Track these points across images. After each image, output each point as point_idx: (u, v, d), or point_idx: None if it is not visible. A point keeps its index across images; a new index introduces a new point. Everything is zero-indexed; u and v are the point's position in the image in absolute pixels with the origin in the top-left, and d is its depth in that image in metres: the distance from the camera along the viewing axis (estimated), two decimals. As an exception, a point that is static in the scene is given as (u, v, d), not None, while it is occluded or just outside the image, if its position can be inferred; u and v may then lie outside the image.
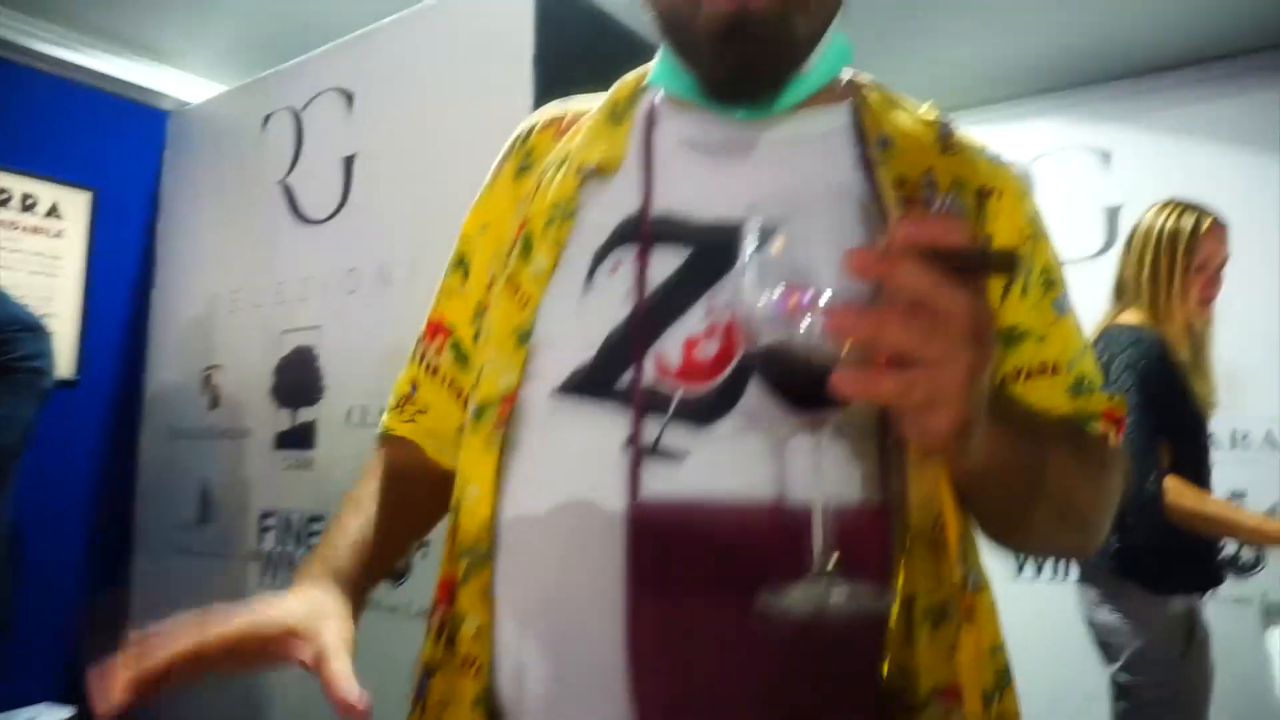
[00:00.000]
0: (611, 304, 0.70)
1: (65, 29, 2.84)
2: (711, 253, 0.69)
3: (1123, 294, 2.12)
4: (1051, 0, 2.62)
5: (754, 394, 0.65)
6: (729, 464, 0.64)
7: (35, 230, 2.75)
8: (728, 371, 0.66)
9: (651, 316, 0.69)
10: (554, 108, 0.90)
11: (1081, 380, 0.74)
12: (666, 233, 0.71)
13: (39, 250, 2.77)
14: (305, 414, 2.39)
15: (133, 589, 2.88)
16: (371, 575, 0.81)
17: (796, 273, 0.52)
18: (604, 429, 0.67)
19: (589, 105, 0.86)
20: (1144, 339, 1.96)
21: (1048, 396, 0.72)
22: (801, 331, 0.51)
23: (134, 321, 2.98)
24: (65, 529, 2.78)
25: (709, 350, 0.67)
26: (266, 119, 2.66)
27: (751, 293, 0.53)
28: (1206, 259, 2.04)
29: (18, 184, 2.73)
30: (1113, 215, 3.01)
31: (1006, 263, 0.55)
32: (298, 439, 2.40)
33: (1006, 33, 2.85)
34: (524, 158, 0.87)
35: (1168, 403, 1.91)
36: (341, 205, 2.38)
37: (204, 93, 3.10)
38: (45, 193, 2.81)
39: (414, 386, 0.91)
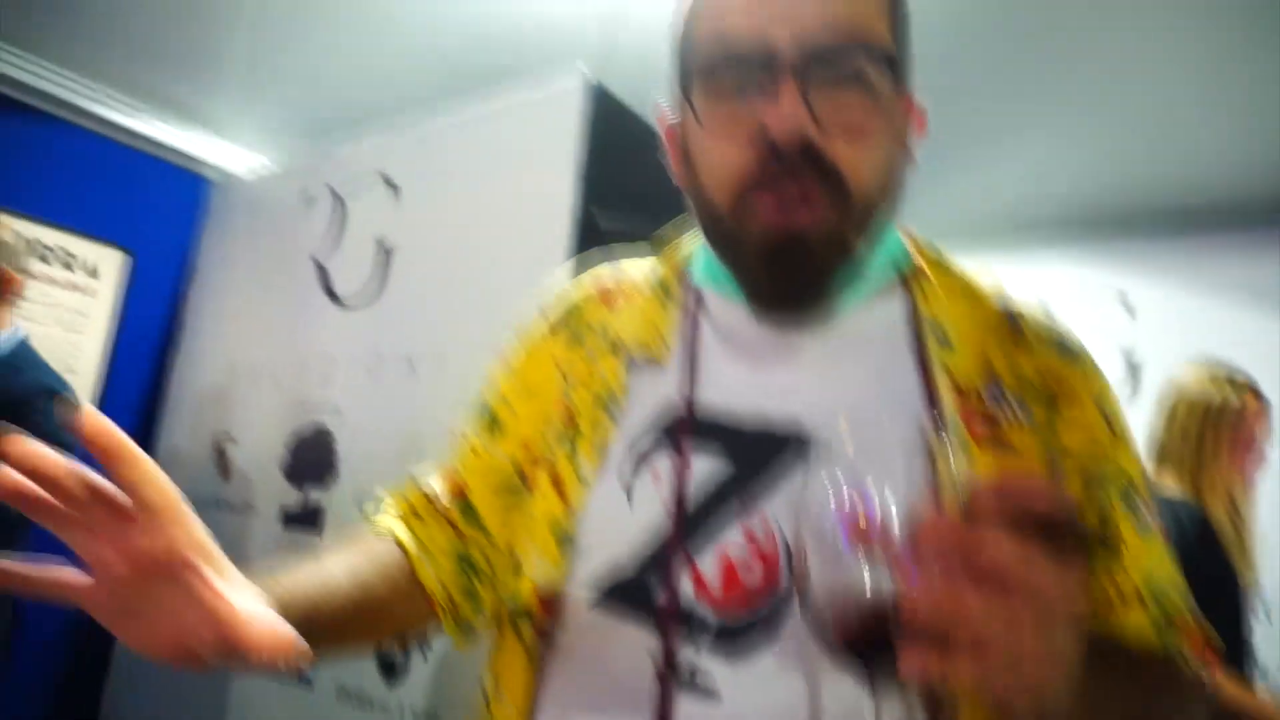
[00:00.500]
0: (652, 513, 0.67)
1: (118, 91, 2.92)
2: (754, 464, 0.65)
3: (1161, 458, 2.06)
4: (1078, 139, 2.69)
5: (797, 627, 0.59)
6: (766, 706, 0.59)
7: (70, 286, 2.78)
8: (770, 601, 0.62)
9: (690, 530, 0.65)
10: (604, 275, 0.87)
11: (1168, 613, 0.65)
12: (708, 437, 0.67)
13: (71, 306, 2.79)
14: (315, 495, 2.37)
15: (111, 662, 2.81)
16: (299, 620, 0.64)
17: (854, 494, 0.48)
18: (638, 652, 0.63)
19: (638, 276, 0.83)
20: (1186, 513, 1.91)
21: (1129, 629, 0.64)
22: (864, 568, 0.47)
23: (154, 384, 2.99)
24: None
25: (750, 574, 0.63)
26: (309, 196, 2.72)
27: (806, 515, 0.50)
28: (1253, 436, 2.01)
29: (59, 239, 2.77)
30: (1131, 361, 3.03)
31: (1091, 541, 0.51)
32: (305, 520, 2.37)
33: (1031, 170, 2.92)
34: (571, 326, 0.83)
35: (1211, 584, 1.84)
36: (375, 290, 2.41)
37: (247, 163, 3.17)
38: (84, 250, 2.85)
39: (417, 515, 0.82)
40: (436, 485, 0.85)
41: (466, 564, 0.79)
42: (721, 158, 0.67)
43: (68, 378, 2.05)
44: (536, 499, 0.74)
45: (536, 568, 0.70)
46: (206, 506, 2.67)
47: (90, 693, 2.78)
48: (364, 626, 0.75)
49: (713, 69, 0.67)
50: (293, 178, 2.84)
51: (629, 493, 0.69)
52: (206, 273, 3.06)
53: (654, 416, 0.71)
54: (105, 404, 2.85)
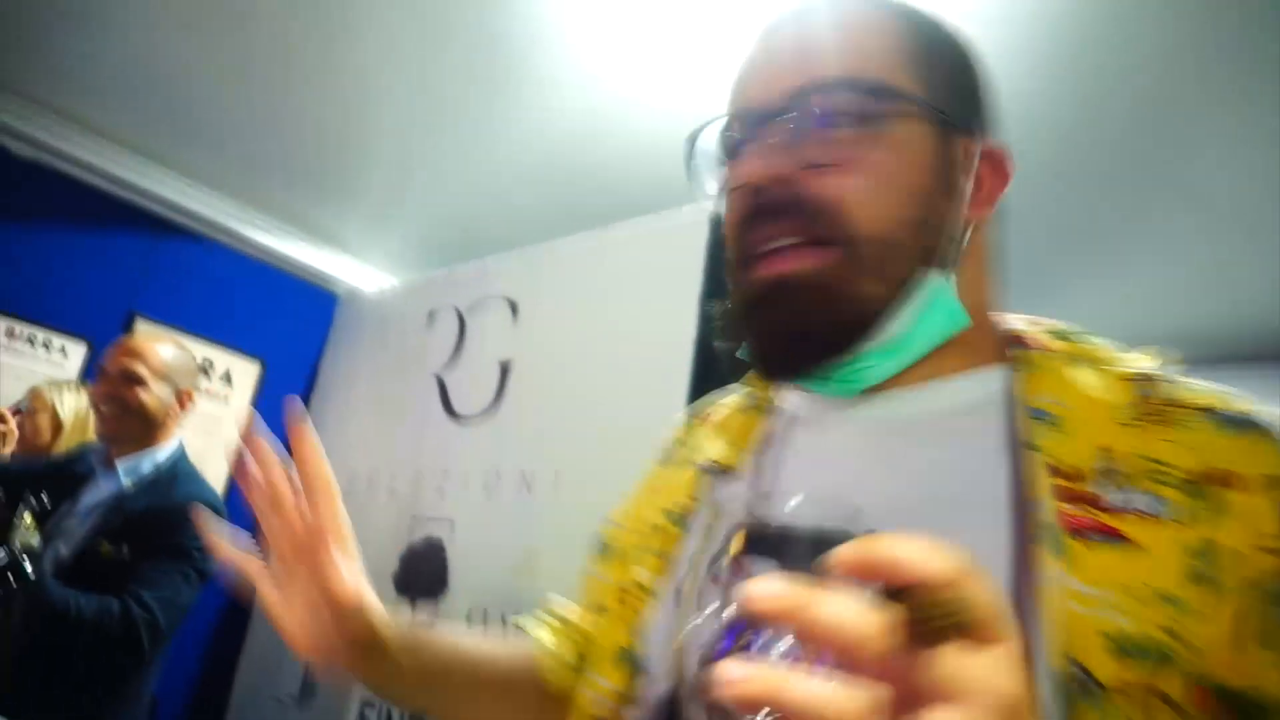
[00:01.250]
0: (711, 633, 0.61)
1: (259, 212, 3.17)
2: (803, 575, 0.57)
3: None
4: (1189, 269, 2.67)
5: None
6: None
7: (208, 393, 2.96)
8: None
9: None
10: (710, 400, 0.85)
11: None
12: (765, 546, 0.59)
13: (207, 412, 2.96)
14: (424, 608, 2.40)
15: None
16: (421, 673, 0.74)
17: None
18: None
19: (738, 396, 0.80)
20: None
21: None
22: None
23: (273, 487, 3.11)
24: (170, 696, 2.80)
25: None
26: (432, 314, 2.86)
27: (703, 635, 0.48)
28: None
29: (198, 349, 2.97)
30: None
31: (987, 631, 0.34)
32: (413, 631, 2.39)
33: (1143, 296, 2.89)
34: (668, 450, 0.82)
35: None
36: (493, 406, 2.50)
37: (373, 281, 3.37)
38: (221, 359, 3.05)
39: (563, 623, 0.86)
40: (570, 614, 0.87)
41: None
42: (727, 224, 0.66)
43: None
44: (602, 619, 0.73)
45: (594, 681, 0.68)
46: (316, 611, 2.73)
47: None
48: (489, 705, 0.80)
49: (722, 147, 0.68)
50: (417, 296, 3.00)
51: (690, 611, 0.63)
52: (330, 383, 3.22)
53: (723, 526, 0.66)
54: (232, 506, 2.97)
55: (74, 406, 2.33)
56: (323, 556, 0.69)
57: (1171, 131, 2.07)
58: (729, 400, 0.81)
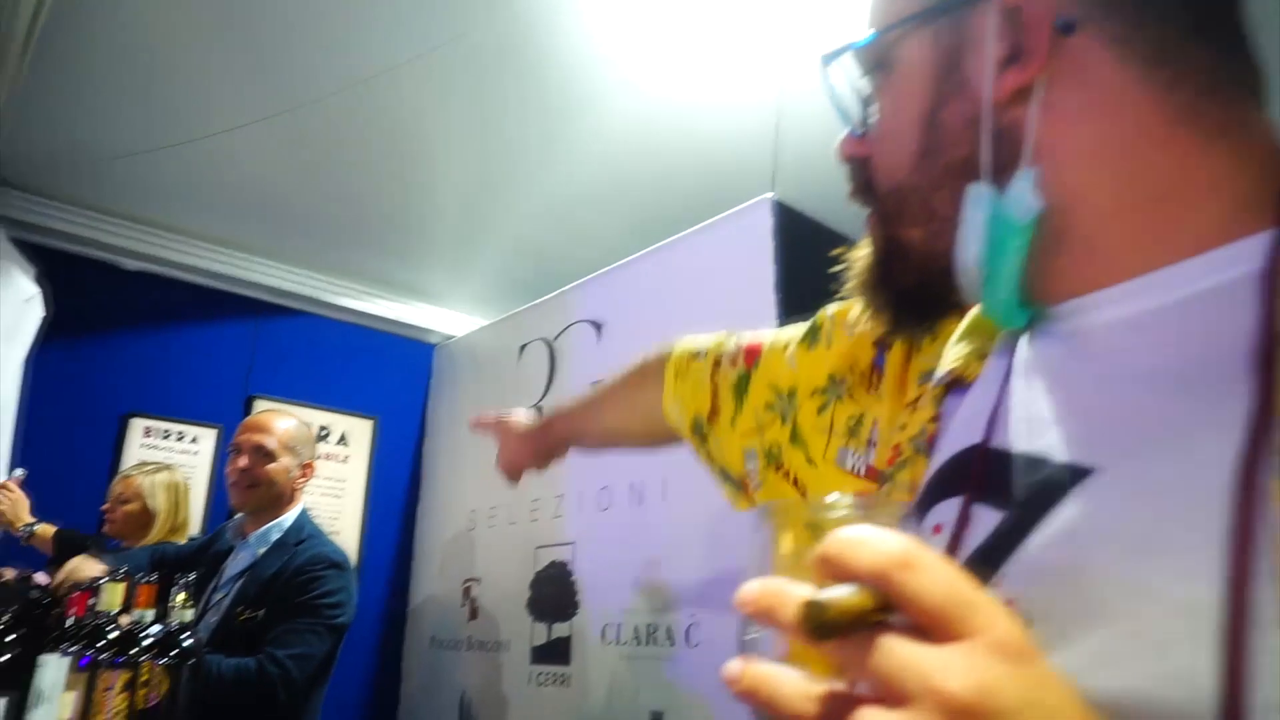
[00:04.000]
0: None
1: (348, 281, 3.34)
2: (1020, 513, 0.50)
3: None
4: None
5: None
6: None
7: (328, 457, 3.13)
8: None
9: None
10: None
11: None
12: (990, 482, 0.53)
13: (330, 474, 3.13)
14: (560, 629, 2.47)
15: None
16: (575, 424, 1.19)
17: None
18: None
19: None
20: None
21: None
22: None
23: (403, 536, 3.27)
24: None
25: None
26: (522, 348, 2.95)
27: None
28: None
29: (315, 416, 3.14)
30: None
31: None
32: (553, 654, 2.47)
33: None
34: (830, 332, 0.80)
35: None
36: (593, 427, 2.55)
37: (466, 326, 3.49)
38: (337, 423, 3.22)
39: (698, 355, 0.98)
40: (714, 344, 0.97)
41: (698, 429, 0.95)
42: None
43: (334, 537, 2.30)
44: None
45: None
46: (459, 646, 2.85)
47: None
48: (621, 422, 1.14)
49: None
50: (505, 333, 3.10)
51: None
52: (438, 428, 3.35)
53: (949, 450, 0.58)
54: (366, 559, 3.14)
55: (165, 491, 2.50)
56: (511, 440, 1.24)
57: None
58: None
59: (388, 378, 3.42)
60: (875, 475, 0.70)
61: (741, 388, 0.89)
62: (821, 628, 0.31)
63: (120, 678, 1.23)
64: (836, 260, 0.69)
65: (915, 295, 0.60)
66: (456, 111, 2.39)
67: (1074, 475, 0.47)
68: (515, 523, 2.77)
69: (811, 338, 0.83)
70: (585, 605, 2.42)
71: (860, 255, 0.64)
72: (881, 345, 0.74)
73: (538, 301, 2.98)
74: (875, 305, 0.62)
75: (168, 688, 1.22)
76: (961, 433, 0.58)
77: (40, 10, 1.92)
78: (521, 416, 1.29)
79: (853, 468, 0.72)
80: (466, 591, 2.90)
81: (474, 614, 2.85)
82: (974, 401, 0.59)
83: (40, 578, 1.72)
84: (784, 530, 0.39)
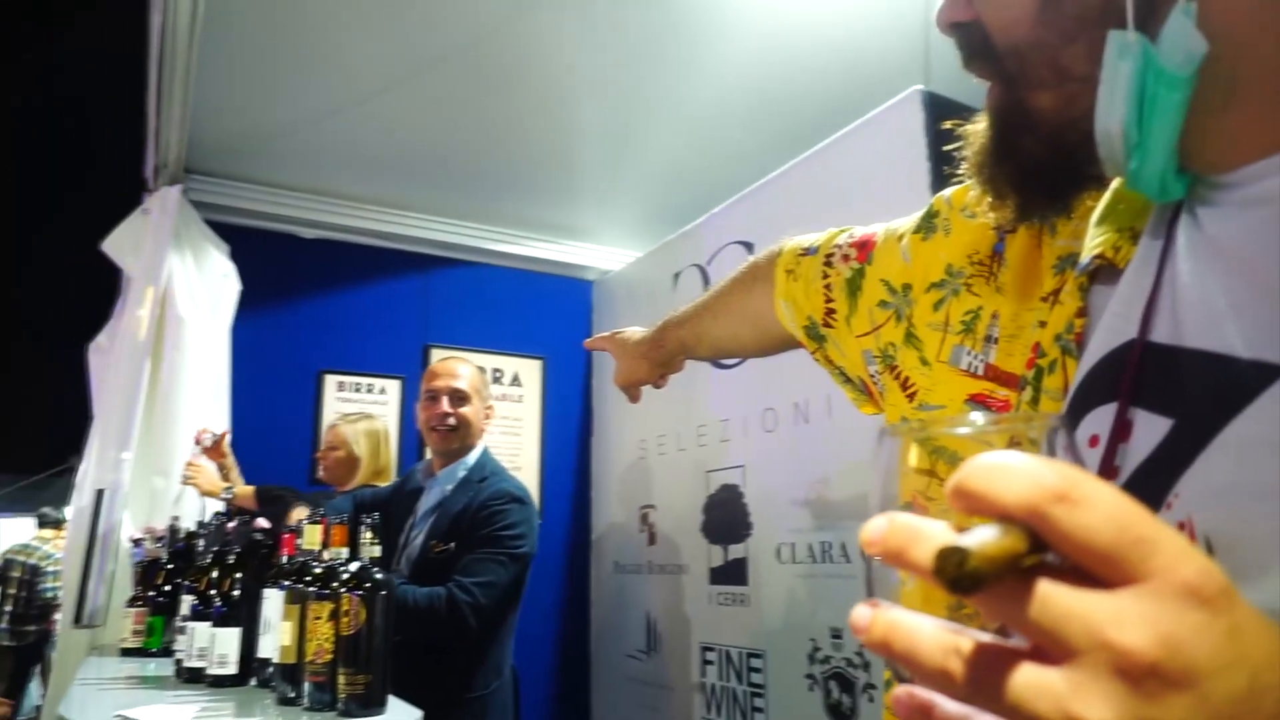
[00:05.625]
0: None
1: (507, 228, 3.43)
2: (1194, 421, 0.44)
3: None
4: None
5: None
6: None
7: (504, 398, 3.28)
8: None
9: None
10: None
11: None
12: (1153, 384, 0.47)
13: (507, 414, 3.28)
14: (735, 550, 2.49)
15: (591, 718, 3.18)
16: (686, 335, 1.13)
17: None
18: None
19: None
20: None
21: None
22: None
23: (580, 468, 3.39)
24: (535, 662, 3.16)
25: None
26: (677, 276, 2.94)
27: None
28: None
29: (488, 361, 3.28)
30: None
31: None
32: (731, 575, 2.50)
33: None
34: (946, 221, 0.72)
35: None
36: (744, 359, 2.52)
37: (621, 260, 3.52)
38: (508, 365, 3.35)
39: (809, 251, 0.89)
40: (825, 239, 0.89)
41: (812, 331, 0.88)
42: None
43: (515, 474, 2.41)
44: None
45: None
46: (641, 571, 2.94)
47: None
48: (727, 329, 1.07)
49: None
50: (658, 262, 3.10)
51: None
52: (603, 362, 3.42)
53: (1102, 347, 0.52)
54: (547, 492, 3.28)
55: (366, 438, 2.68)
56: (625, 356, 1.28)
57: None
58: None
59: (552, 318, 3.51)
60: (994, 374, 0.62)
61: (855, 285, 0.81)
62: (963, 579, 0.26)
63: (325, 608, 1.35)
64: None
65: (1044, 172, 0.52)
66: (593, 48, 2.37)
67: (1262, 375, 0.40)
68: (684, 449, 2.80)
69: (928, 226, 0.74)
70: (758, 526, 2.42)
71: (978, 129, 0.56)
72: (1003, 230, 0.66)
73: (688, 228, 2.95)
74: (997, 186, 0.55)
75: (365, 616, 1.33)
76: (1114, 327, 0.50)
77: (198, 5, 2.06)
78: (634, 332, 1.26)
79: (969, 367, 0.64)
80: (644, 518, 2.98)
81: (652, 539, 2.93)
82: (1127, 290, 0.51)
83: (260, 523, 1.92)
84: (911, 454, 0.34)
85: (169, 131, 2.59)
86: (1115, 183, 0.55)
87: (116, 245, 2.80)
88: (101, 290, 2.99)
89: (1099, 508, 0.26)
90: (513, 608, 2.11)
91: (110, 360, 2.73)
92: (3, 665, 6.02)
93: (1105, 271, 0.54)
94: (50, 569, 5.92)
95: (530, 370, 3.41)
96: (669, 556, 2.82)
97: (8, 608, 6.01)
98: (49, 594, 5.84)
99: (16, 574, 6.07)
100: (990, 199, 0.56)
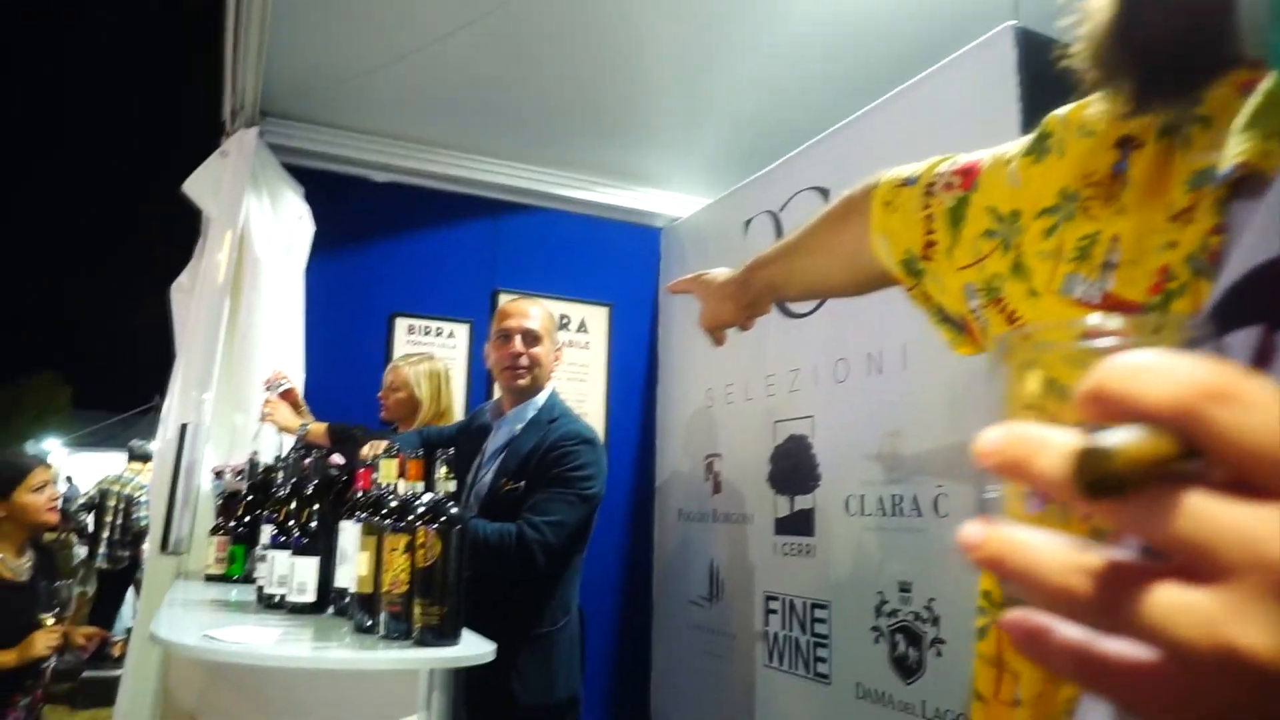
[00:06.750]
0: None
1: (576, 173, 3.39)
2: None
3: None
4: None
5: None
6: None
7: (570, 344, 3.28)
8: None
9: None
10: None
11: None
12: None
13: (573, 360, 3.29)
14: (802, 501, 2.47)
15: (653, 662, 3.22)
16: (774, 275, 1.11)
17: None
18: None
19: None
20: None
21: None
22: None
23: (645, 416, 3.39)
24: (598, 606, 3.20)
25: None
26: (748, 222, 2.88)
27: None
28: None
29: (555, 307, 3.28)
30: None
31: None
32: (797, 525, 2.48)
33: None
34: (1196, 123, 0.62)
35: None
36: (822, 302, 2.46)
37: (690, 207, 3.47)
38: (575, 311, 3.35)
39: (908, 182, 0.86)
40: (925, 168, 0.85)
41: (910, 266, 0.85)
42: None
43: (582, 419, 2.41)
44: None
45: None
46: (705, 519, 2.94)
47: (638, 695, 3.22)
48: (819, 264, 1.04)
49: None
50: (729, 208, 3.04)
51: None
52: (669, 310, 3.40)
53: (1246, 261, 0.47)
54: (612, 438, 3.29)
55: (428, 380, 2.71)
56: (711, 297, 1.23)
57: None
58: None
59: (619, 264, 3.49)
60: (1113, 302, 0.57)
61: (958, 214, 0.77)
62: (1104, 481, 0.23)
63: (402, 540, 1.37)
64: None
65: (1173, 48, 0.46)
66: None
67: None
68: (752, 398, 2.77)
69: (1039, 148, 0.70)
70: (826, 478, 2.39)
71: (1096, 6, 0.50)
72: (1126, 144, 0.60)
73: (760, 173, 2.88)
74: (1116, 68, 0.49)
75: (441, 549, 1.35)
76: (1259, 243, 0.45)
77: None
78: (720, 273, 1.23)
79: (1083, 296, 0.60)
80: (709, 466, 2.98)
81: (717, 488, 2.92)
82: (1278, 199, 0.45)
83: (335, 459, 1.96)
84: (1031, 366, 0.30)
85: (245, 74, 2.62)
86: (1265, 82, 0.48)
87: (196, 187, 2.86)
88: (186, 231, 3.06)
89: (1265, 408, 0.23)
90: (580, 548, 2.13)
91: (191, 301, 2.80)
92: (98, 588, 6.41)
93: (1250, 183, 0.48)
94: (143, 499, 6.24)
95: (597, 317, 3.40)
96: (733, 505, 2.81)
97: (104, 534, 6.38)
98: (142, 523, 6.17)
99: (112, 503, 6.42)
100: (1107, 86, 0.51)
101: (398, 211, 3.19)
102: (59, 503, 2.64)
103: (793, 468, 2.53)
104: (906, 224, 0.83)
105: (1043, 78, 1.93)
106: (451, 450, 1.49)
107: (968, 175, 0.77)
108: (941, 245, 0.78)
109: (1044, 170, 0.68)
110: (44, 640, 2.34)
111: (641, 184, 3.50)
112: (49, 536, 2.74)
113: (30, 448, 10.95)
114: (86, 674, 5.20)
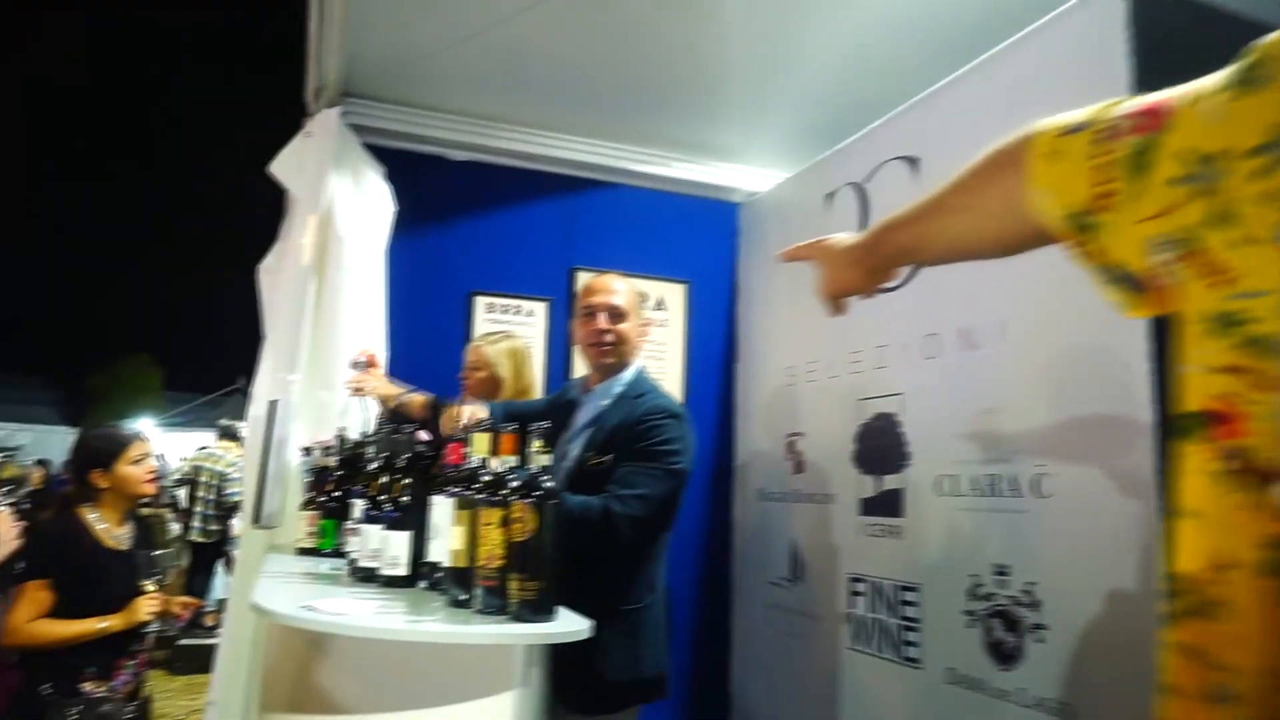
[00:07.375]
0: None
1: (653, 149, 3.35)
2: None
3: None
4: None
5: None
6: None
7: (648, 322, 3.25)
8: None
9: None
10: None
11: None
12: None
13: (650, 338, 3.25)
14: (890, 481, 2.40)
15: (732, 642, 3.20)
16: (908, 238, 1.04)
17: None
18: None
19: None
20: None
21: None
22: None
23: (724, 394, 3.35)
24: (678, 584, 3.18)
25: None
26: (830, 195, 2.80)
27: None
28: None
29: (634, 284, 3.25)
30: None
31: None
32: (884, 506, 2.42)
33: None
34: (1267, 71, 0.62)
35: None
36: (915, 268, 2.37)
37: (769, 181, 3.39)
38: (653, 289, 3.32)
39: (1075, 129, 0.79)
40: (1095, 112, 0.78)
41: (1078, 221, 0.78)
42: None
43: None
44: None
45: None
46: (786, 499, 2.89)
47: (718, 674, 3.20)
48: (959, 227, 0.97)
49: None
50: (809, 182, 2.96)
51: None
52: (749, 286, 3.34)
53: None
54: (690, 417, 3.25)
55: (508, 358, 2.70)
56: (832, 263, 1.22)
57: None
58: None
59: (697, 241, 3.44)
60: None
61: (1142, 160, 0.69)
62: None
63: (496, 514, 1.37)
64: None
65: None
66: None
67: None
68: (836, 376, 2.71)
69: (1245, 80, 0.63)
70: (916, 457, 2.32)
71: None
72: None
73: (842, 145, 2.80)
74: None
75: (536, 523, 1.34)
76: None
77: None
78: (841, 238, 1.17)
79: None
80: (791, 446, 2.92)
81: (799, 467, 2.87)
82: None
83: (422, 435, 1.97)
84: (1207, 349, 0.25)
85: (328, 55, 2.64)
86: None
87: (282, 167, 2.91)
88: (272, 212, 3.12)
89: None
90: (667, 524, 2.10)
91: (278, 282, 2.86)
92: (191, 561, 6.68)
93: None
94: (235, 475, 6.49)
95: (675, 294, 3.37)
96: (817, 485, 2.75)
97: (198, 509, 6.65)
98: (234, 498, 6.41)
99: (205, 478, 6.69)
100: None
101: (475, 190, 3.20)
102: (156, 475, 2.73)
103: (880, 447, 2.46)
104: (1074, 175, 0.76)
105: (1156, 34, 1.81)
106: (547, 423, 1.47)
107: (1155, 116, 0.70)
108: (1120, 195, 0.71)
109: (1253, 105, 0.61)
110: (146, 605, 2.43)
111: (718, 158, 3.44)
112: (145, 510, 2.83)
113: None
114: (183, 641, 5.43)
